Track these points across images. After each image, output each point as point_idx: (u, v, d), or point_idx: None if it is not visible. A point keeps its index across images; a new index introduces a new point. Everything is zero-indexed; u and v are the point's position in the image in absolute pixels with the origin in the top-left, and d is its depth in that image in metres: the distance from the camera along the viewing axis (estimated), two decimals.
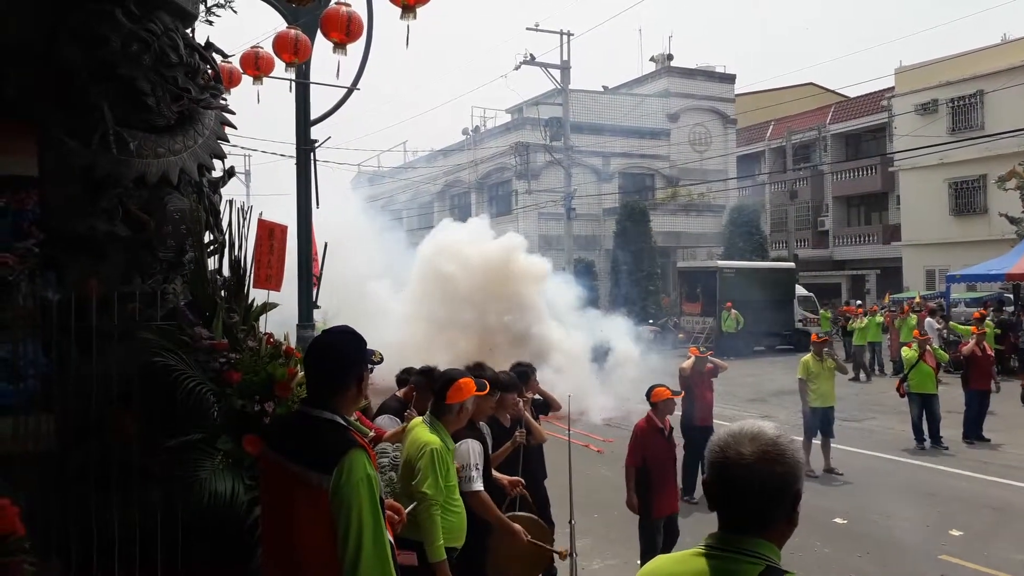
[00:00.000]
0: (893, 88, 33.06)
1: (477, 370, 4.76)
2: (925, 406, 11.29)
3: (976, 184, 29.56)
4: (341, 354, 2.66)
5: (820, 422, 9.99)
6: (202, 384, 3.39)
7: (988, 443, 11.53)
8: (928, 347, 11.42)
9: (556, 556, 4.79)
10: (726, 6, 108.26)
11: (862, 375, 18.91)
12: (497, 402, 4.99)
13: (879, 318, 19.52)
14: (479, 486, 4.19)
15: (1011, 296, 21.38)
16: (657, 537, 6.14)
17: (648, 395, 6.44)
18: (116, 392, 3.48)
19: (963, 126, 29.65)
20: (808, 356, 10.28)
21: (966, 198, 30.19)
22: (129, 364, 3.49)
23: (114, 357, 3.49)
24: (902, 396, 11.59)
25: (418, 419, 4.18)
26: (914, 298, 23.30)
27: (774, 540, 1.68)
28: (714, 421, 8.84)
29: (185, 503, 3.26)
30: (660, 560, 1.83)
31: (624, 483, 6.31)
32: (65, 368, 3.47)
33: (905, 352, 11.81)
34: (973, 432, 11.77)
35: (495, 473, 4.79)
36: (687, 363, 9.24)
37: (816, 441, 10.05)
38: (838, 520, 7.91)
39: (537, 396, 6.40)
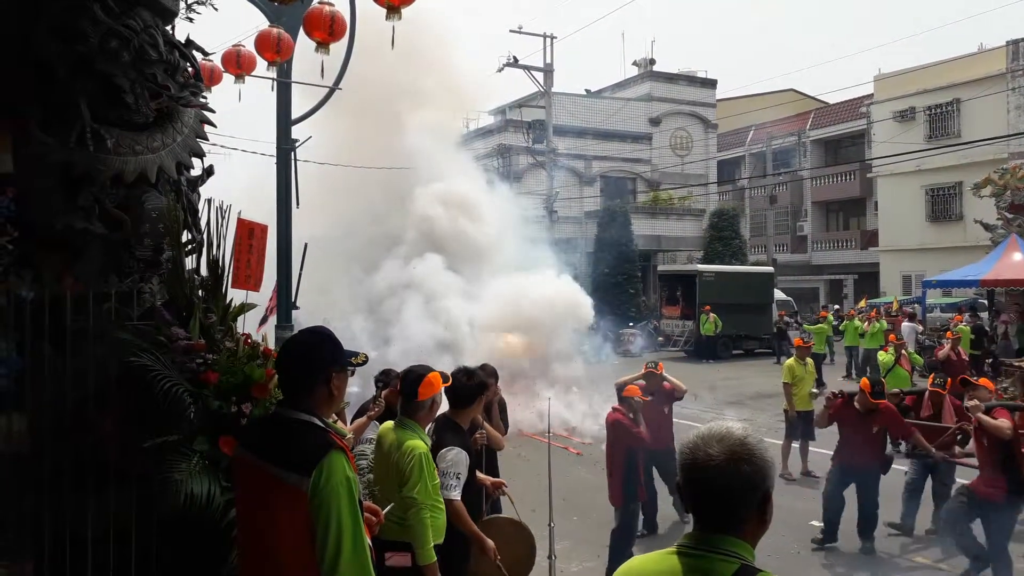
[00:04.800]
0: (872, 95, 33.47)
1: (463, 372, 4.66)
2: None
3: (952, 191, 29.97)
4: (309, 354, 2.65)
5: (803, 424, 10.07)
6: (178, 385, 3.35)
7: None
8: (904, 351, 11.55)
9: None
10: (708, 13, 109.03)
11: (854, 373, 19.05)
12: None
13: (857, 322, 19.70)
14: (456, 495, 4.19)
15: (985, 302, 21.66)
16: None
17: None
18: (92, 392, 3.43)
19: (940, 133, 30.06)
20: (792, 360, 10.35)
21: (942, 205, 30.60)
22: (105, 364, 3.45)
23: (90, 357, 3.44)
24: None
25: (388, 423, 4.16)
26: (891, 303, 23.57)
27: (747, 539, 1.71)
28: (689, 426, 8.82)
29: (161, 504, 3.23)
30: (635, 560, 1.85)
31: (604, 482, 6.62)
32: (39, 367, 3.43)
33: (882, 356, 11.94)
34: None
35: (480, 475, 4.80)
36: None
37: (794, 444, 10.12)
38: (814, 522, 7.96)
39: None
